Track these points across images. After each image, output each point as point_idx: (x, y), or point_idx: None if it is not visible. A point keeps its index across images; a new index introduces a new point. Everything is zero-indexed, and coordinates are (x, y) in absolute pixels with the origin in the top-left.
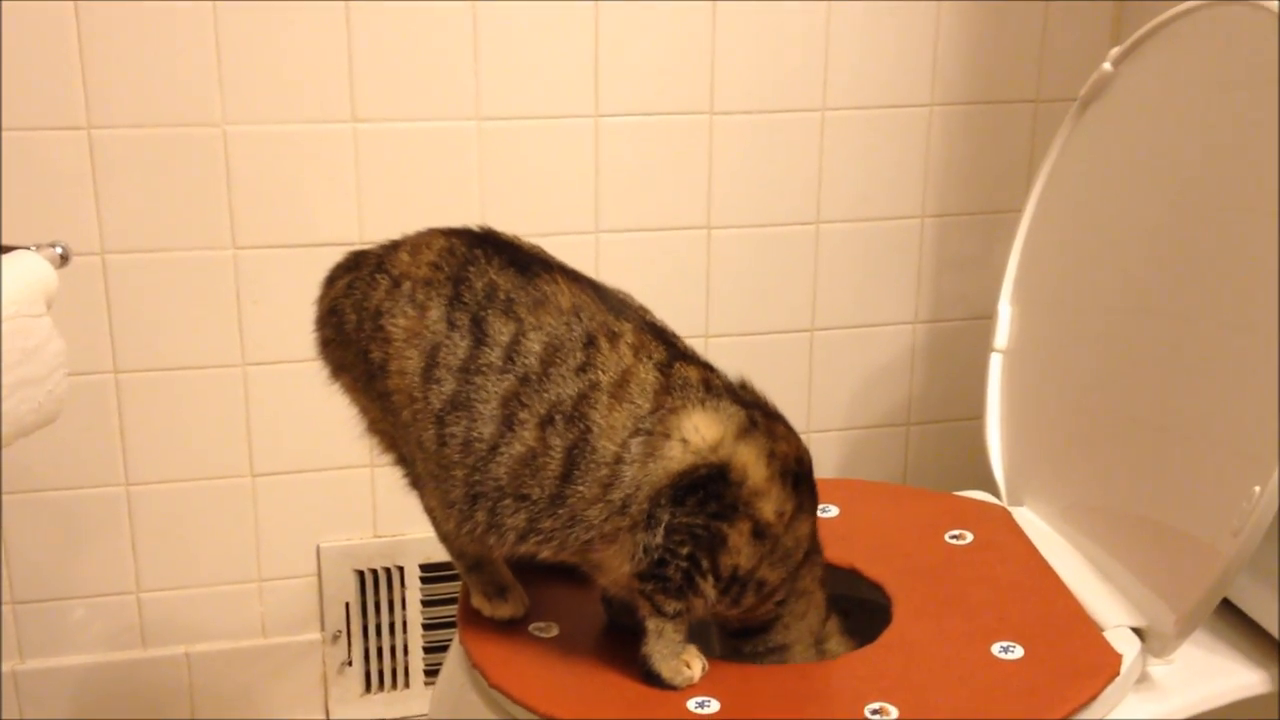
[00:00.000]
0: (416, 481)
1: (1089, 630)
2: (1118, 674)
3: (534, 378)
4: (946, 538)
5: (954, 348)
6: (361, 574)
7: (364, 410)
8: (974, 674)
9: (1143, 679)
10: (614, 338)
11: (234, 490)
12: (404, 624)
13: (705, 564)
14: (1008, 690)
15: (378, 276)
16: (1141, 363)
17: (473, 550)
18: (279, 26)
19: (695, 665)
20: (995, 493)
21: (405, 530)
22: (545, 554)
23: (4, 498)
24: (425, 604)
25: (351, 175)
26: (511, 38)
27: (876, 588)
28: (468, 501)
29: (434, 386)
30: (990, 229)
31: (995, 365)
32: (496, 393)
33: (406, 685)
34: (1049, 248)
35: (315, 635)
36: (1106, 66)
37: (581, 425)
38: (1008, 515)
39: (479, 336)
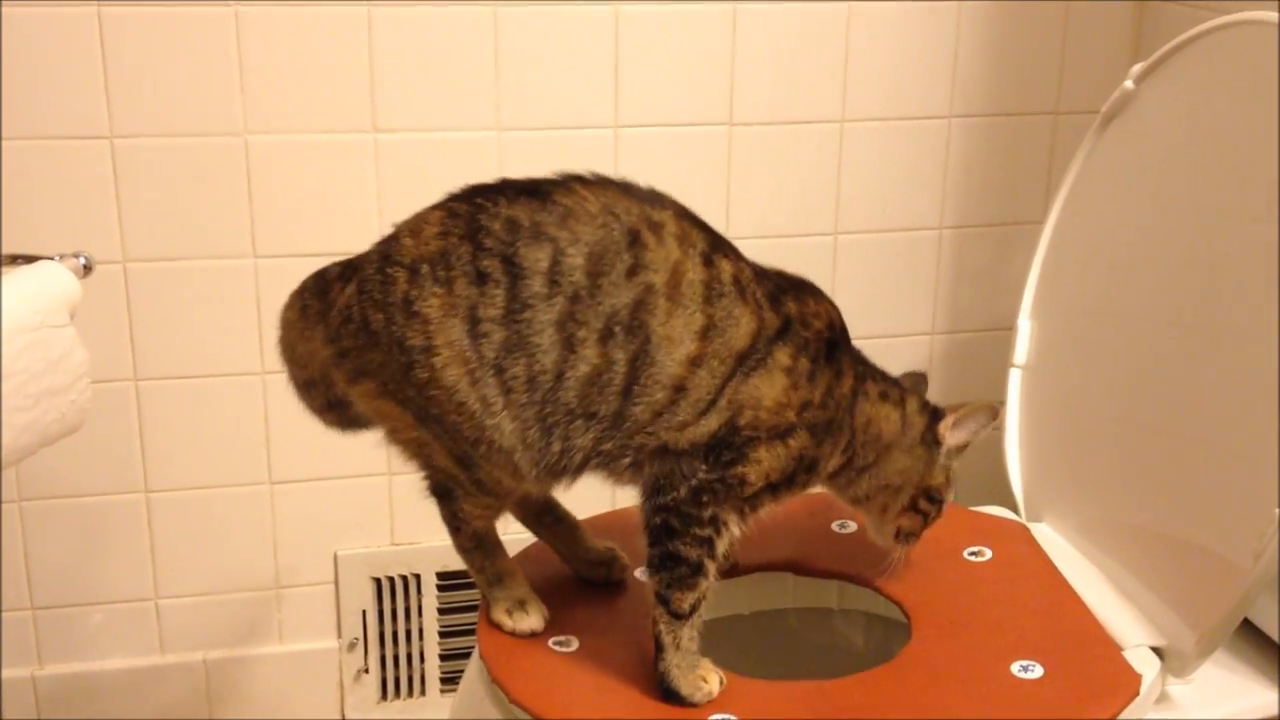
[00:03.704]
0: (442, 485)
1: (1109, 649)
2: (1137, 694)
3: (584, 294)
4: (965, 554)
5: (971, 359)
6: (379, 581)
7: (385, 416)
8: (994, 693)
9: (1162, 698)
10: (657, 228)
11: (252, 497)
12: (420, 631)
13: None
14: (1027, 709)
15: (390, 270)
16: (1164, 379)
17: (540, 495)
18: (301, 36)
19: (713, 680)
20: (1013, 507)
21: (422, 538)
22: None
23: (25, 504)
24: (442, 611)
25: (372, 185)
26: (532, 48)
27: (896, 606)
28: (543, 435)
29: (483, 341)
30: (1008, 241)
31: (1014, 380)
32: (549, 320)
33: (423, 693)
34: (1070, 263)
35: (332, 642)
36: (1128, 84)
37: (641, 335)
38: (1027, 532)
39: (514, 274)
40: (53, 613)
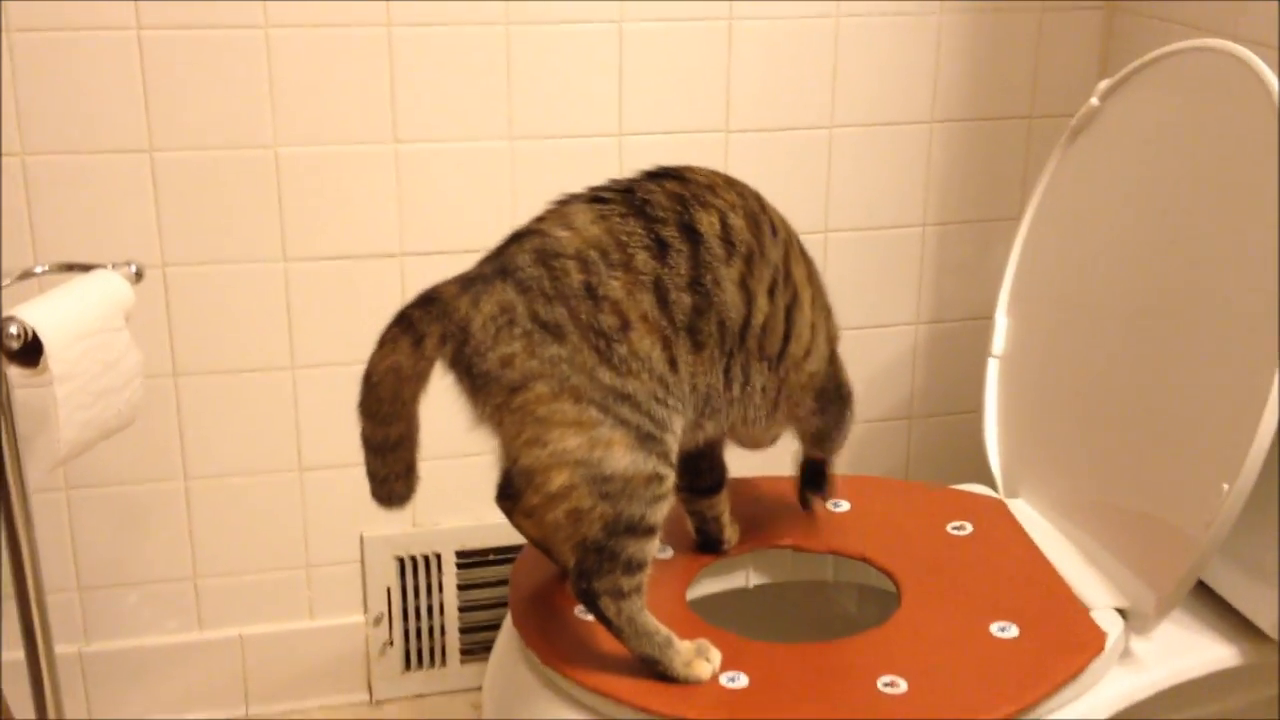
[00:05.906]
0: (605, 551)
1: (1077, 611)
2: (1103, 650)
3: (755, 253)
4: (949, 529)
5: (953, 347)
6: (401, 560)
7: (551, 427)
8: (975, 651)
9: (1126, 653)
10: (760, 195)
11: (284, 484)
12: (441, 607)
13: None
14: (1005, 665)
15: (556, 263)
16: (1128, 367)
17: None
18: (326, 56)
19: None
20: (992, 485)
21: (442, 520)
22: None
23: (71, 492)
24: (461, 588)
25: (393, 192)
26: (541, 63)
27: (886, 575)
28: (726, 384)
29: (673, 307)
30: (987, 235)
31: (992, 370)
32: (731, 279)
33: (444, 663)
34: (1042, 264)
35: (359, 618)
36: (1094, 101)
37: (791, 285)
38: (1004, 507)
39: (694, 239)
40: (98, 593)
